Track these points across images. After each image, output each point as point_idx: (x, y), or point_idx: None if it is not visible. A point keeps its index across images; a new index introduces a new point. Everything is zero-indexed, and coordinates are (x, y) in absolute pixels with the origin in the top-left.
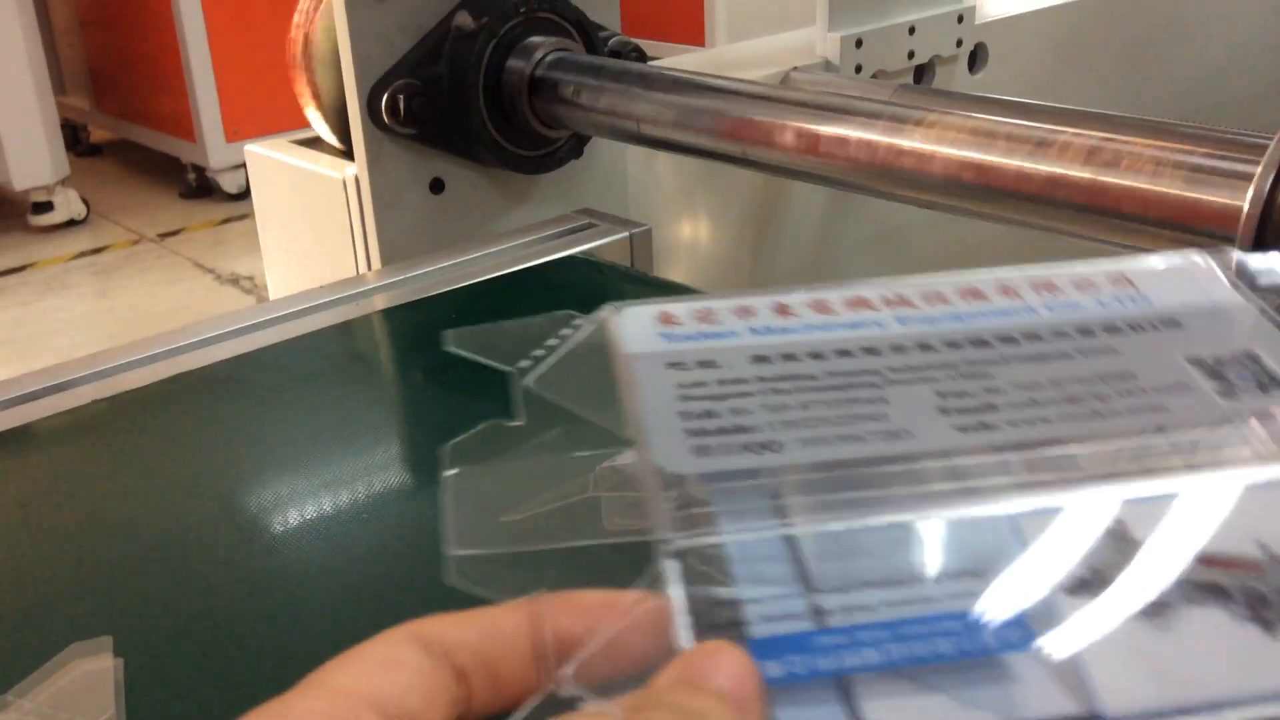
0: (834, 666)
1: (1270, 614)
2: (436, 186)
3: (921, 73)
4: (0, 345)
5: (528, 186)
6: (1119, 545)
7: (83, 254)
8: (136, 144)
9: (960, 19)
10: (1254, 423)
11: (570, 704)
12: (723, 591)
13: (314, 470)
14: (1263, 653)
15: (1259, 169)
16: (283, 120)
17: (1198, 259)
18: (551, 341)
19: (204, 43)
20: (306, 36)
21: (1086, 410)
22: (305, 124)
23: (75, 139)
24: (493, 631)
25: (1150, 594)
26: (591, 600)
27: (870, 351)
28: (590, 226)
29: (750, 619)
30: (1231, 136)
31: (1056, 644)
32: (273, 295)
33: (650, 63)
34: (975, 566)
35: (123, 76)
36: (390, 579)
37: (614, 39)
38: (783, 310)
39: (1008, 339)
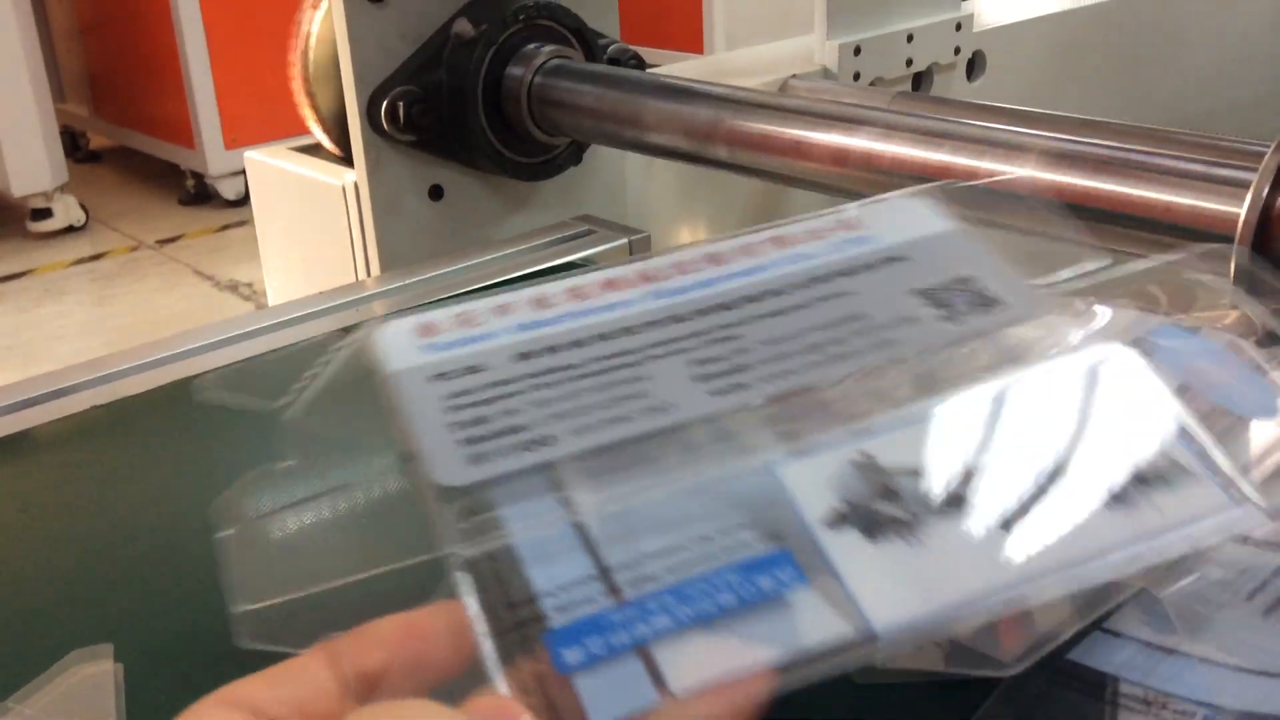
0: (628, 640)
1: (1009, 515)
2: (436, 193)
3: (919, 80)
4: None
5: (527, 193)
6: (868, 476)
7: (81, 260)
8: (135, 150)
9: (958, 27)
10: (978, 341)
11: None
12: (517, 591)
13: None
14: (1008, 552)
15: (1256, 176)
16: (282, 127)
17: (917, 196)
18: (312, 371)
19: (203, 49)
20: (306, 43)
21: (828, 355)
22: (304, 131)
23: (74, 145)
24: (299, 679)
25: (900, 514)
26: (387, 628)
27: (627, 331)
28: (589, 233)
29: (546, 612)
30: (1229, 144)
31: (825, 577)
32: (272, 302)
33: (649, 70)
34: (746, 519)
35: (122, 83)
36: (396, 580)
37: (613, 46)
38: (541, 303)
39: (751, 299)
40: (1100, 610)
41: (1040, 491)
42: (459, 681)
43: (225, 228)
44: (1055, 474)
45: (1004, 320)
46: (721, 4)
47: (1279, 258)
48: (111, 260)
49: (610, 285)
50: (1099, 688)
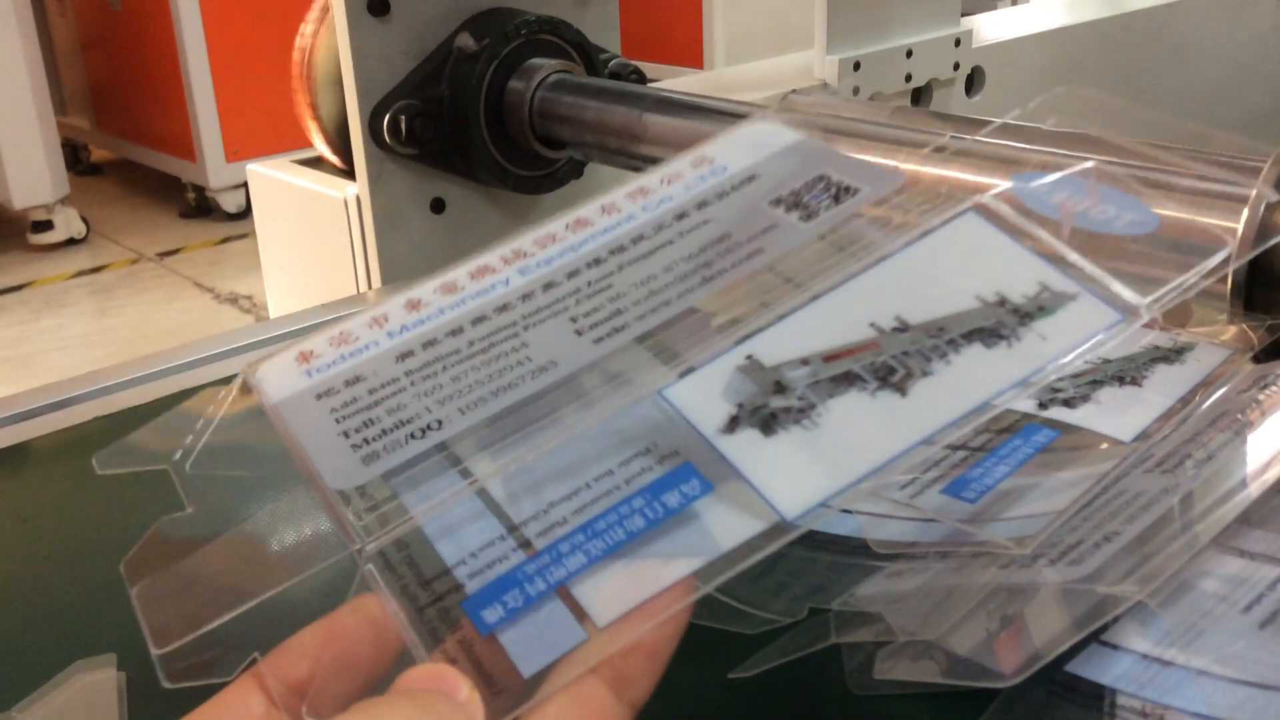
0: (545, 587)
1: (897, 378)
2: (437, 206)
3: (919, 95)
4: None
5: (528, 206)
6: (754, 376)
7: (82, 273)
8: (137, 163)
9: (957, 43)
10: (839, 229)
11: None
12: (429, 569)
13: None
14: (904, 412)
15: (1254, 190)
16: (282, 141)
17: (761, 120)
18: (200, 423)
19: (205, 63)
20: (309, 57)
21: (700, 280)
22: (304, 145)
23: (75, 158)
24: (229, 711)
25: (792, 404)
26: (307, 637)
27: (502, 309)
28: None
29: (461, 581)
30: (1226, 159)
31: (730, 481)
32: (273, 314)
33: (650, 85)
34: (643, 446)
35: (123, 96)
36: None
37: (614, 61)
38: (414, 305)
39: (618, 250)
40: (1098, 622)
41: (924, 350)
42: (392, 672)
43: (225, 240)
44: (934, 331)
45: (860, 205)
46: (722, 19)
47: (1275, 271)
48: (112, 273)
49: (480, 272)
50: (1097, 699)
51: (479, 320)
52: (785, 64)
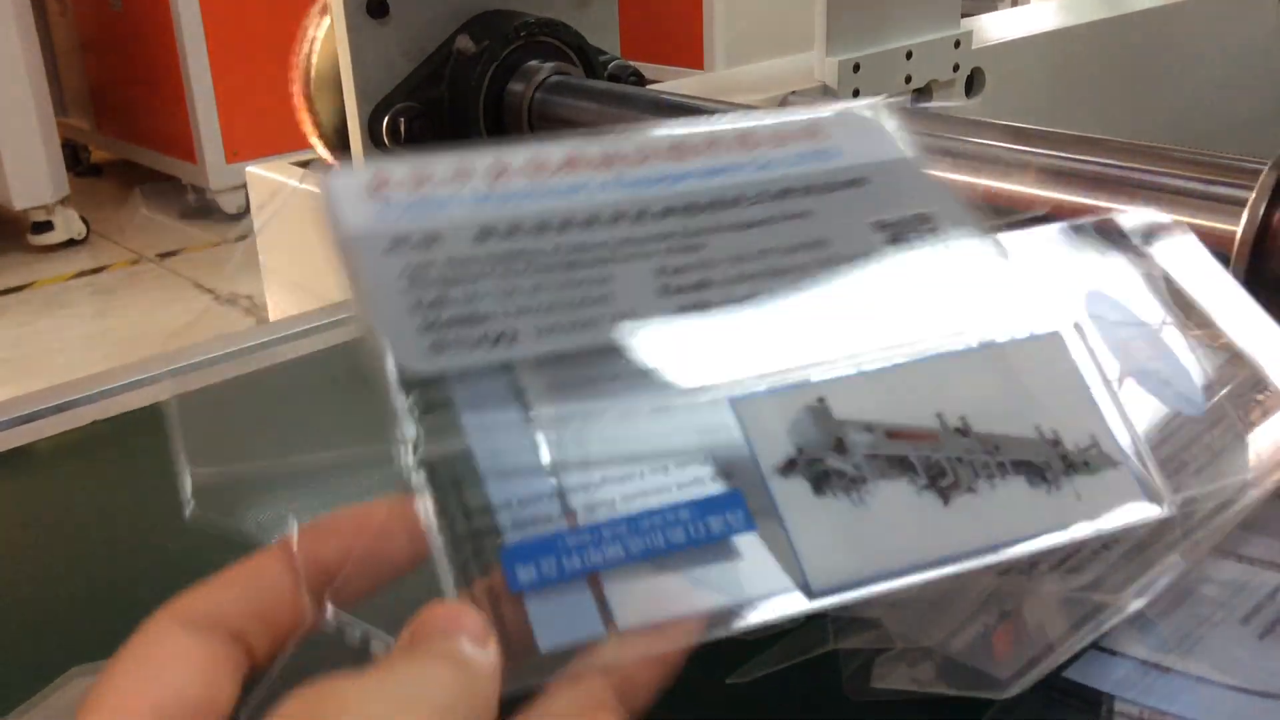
0: (580, 566)
1: (946, 484)
2: None
3: (919, 97)
4: None
5: None
6: (821, 424)
7: (82, 274)
8: (137, 164)
9: (957, 44)
10: (930, 289)
11: (338, 634)
12: (473, 499)
13: (313, 490)
14: (940, 522)
15: (1253, 194)
16: (282, 142)
17: (879, 111)
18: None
19: (205, 64)
20: (309, 59)
21: (789, 282)
22: (304, 146)
23: (76, 159)
24: (255, 582)
25: (847, 470)
26: (343, 521)
27: (591, 222)
28: None
29: (502, 525)
30: (1226, 161)
31: (771, 526)
32: (273, 316)
33: (649, 87)
34: (702, 453)
35: (124, 97)
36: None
37: (613, 63)
38: (500, 173)
39: (717, 203)
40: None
41: (975, 464)
42: (409, 581)
43: (226, 241)
44: (990, 447)
45: (956, 269)
46: (722, 21)
47: (1275, 274)
48: (112, 274)
49: (572, 164)
50: (1095, 705)
51: (566, 225)
52: (785, 66)
